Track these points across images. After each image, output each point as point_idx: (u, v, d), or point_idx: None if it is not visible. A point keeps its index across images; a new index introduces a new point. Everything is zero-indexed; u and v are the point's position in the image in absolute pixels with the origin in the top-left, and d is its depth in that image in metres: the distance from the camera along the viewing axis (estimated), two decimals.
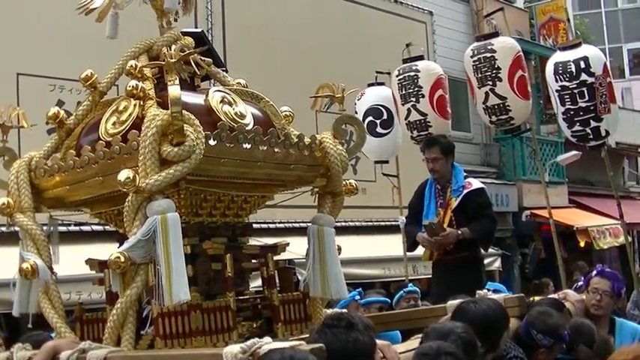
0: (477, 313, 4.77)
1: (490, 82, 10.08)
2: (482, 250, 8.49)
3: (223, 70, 5.53)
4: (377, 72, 12.70)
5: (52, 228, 5.29)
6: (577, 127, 9.91)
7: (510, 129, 11.05)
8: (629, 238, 20.01)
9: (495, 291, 8.05)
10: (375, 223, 15.84)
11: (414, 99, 10.91)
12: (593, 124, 9.82)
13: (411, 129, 10.94)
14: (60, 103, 11.83)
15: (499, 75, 10.06)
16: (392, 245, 12.81)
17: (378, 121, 11.48)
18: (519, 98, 10.04)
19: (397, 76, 11.21)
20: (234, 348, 3.58)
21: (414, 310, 6.21)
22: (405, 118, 11.02)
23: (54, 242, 5.19)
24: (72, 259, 5.48)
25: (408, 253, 10.72)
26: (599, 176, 20.96)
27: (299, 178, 5.22)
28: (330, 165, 5.14)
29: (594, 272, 6.56)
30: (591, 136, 9.92)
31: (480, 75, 10.27)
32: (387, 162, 12.05)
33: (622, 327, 6.29)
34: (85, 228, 10.90)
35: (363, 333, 3.72)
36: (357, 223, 14.92)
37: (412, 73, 11.05)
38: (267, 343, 3.56)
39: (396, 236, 11.99)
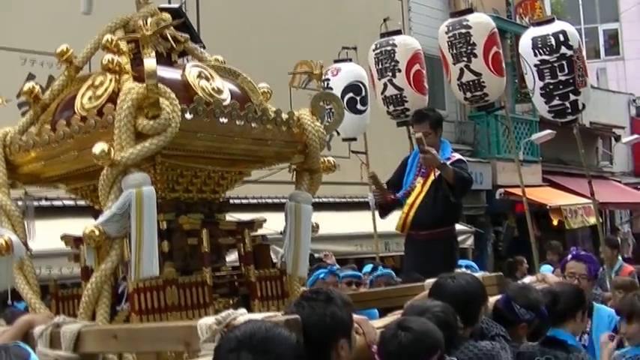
0: (455, 288, 4.77)
1: (465, 59, 10.07)
2: (455, 228, 8.46)
3: (200, 47, 5.49)
4: (343, 47, 12.65)
5: (27, 204, 5.25)
6: (556, 102, 9.87)
7: (484, 106, 11.02)
8: (600, 219, 20.23)
9: (467, 268, 8.12)
10: (349, 200, 15.87)
11: (390, 74, 10.89)
12: (572, 97, 9.80)
13: (387, 104, 10.94)
14: (31, 77, 11.76)
15: (474, 51, 10.05)
16: (365, 222, 12.83)
17: (357, 98, 11.43)
18: (494, 75, 10.05)
19: (374, 50, 11.19)
20: (209, 319, 3.54)
21: (392, 288, 6.20)
22: (382, 93, 11.01)
23: (29, 218, 5.15)
24: (44, 234, 5.44)
25: (378, 230, 10.69)
26: (573, 155, 21.00)
27: (276, 154, 5.20)
28: (308, 142, 5.12)
29: (569, 256, 6.56)
30: (569, 110, 9.91)
31: (454, 51, 10.25)
32: (354, 139, 12.02)
33: (599, 311, 6.31)
34: (56, 203, 10.83)
35: (341, 308, 3.70)
36: (331, 200, 14.94)
37: (389, 48, 11.02)
38: (241, 315, 3.54)
39: (367, 213, 12.01)
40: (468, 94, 10.31)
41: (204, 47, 5.50)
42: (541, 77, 9.91)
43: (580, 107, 9.95)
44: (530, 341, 5.41)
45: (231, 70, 5.32)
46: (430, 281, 5.27)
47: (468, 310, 4.69)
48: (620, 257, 12.22)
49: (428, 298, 4.73)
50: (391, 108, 10.92)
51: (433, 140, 8.21)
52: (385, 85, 10.96)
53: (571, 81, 9.72)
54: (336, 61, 11.91)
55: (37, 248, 5.19)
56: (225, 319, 3.50)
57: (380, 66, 11.06)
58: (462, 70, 10.19)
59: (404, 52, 10.98)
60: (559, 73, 9.77)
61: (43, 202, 10.10)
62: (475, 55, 10.03)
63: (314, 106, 5.21)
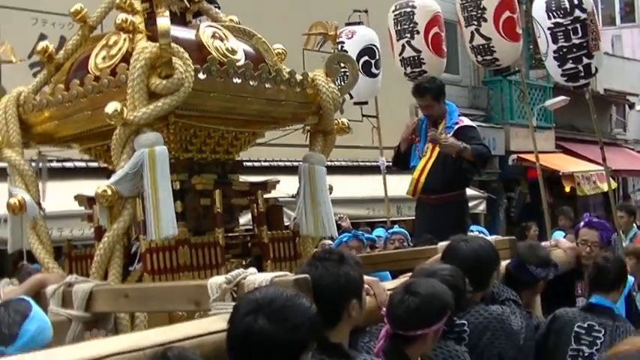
0: (468, 251, 4.75)
1: (475, 22, 10.09)
2: (466, 192, 8.42)
3: (215, 7, 5.46)
4: (354, 10, 12.61)
5: (40, 164, 5.25)
6: (569, 65, 9.86)
7: (499, 69, 11.01)
8: (614, 184, 20.17)
9: (479, 233, 8.12)
10: (360, 164, 15.84)
11: (408, 35, 10.87)
12: (585, 60, 9.79)
13: (405, 65, 10.92)
14: (42, 37, 11.70)
15: (484, 15, 10.05)
16: (376, 186, 12.82)
17: (372, 61, 11.40)
18: (505, 40, 10.02)
19: (393, 11, 11.17)
20: (219, 279, 3.57)
21: (404, 250, 6.19)
22: (399, 54, 10.99)
23: (42, 178, 5.16)
24: (55, 196, 5.46)
25: (389, 194, 10.67)
26: (586, 122, 20.90)
27: (290, 115, 5.19)
28: (322, 103, 5.10)
29: (582, 223, 6.51)
30: (582, 74, 9.89)
31: (466, 14, 10.27)
32: (366, 103, 12.00)
33: None
34: (68, 164, 10.82)
35: (354, 268, 3.69)
36: (343, 163, 14.91)
37: (408, 9, 10.99)
38: (251, 274, 3.55)
39: (380, 177, 12.00)
40: (479, 58, 10.36)
41: (218, 7, 5.48)
42: (554, 40, 9.89)
43: (593, 71, 9.94)
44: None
45: (246, 30, 5.30)
46: (443, 244, 5.26)
47: (479, 273, 4.68)
48: (634, 224, 12.13)
49: (440, 261, 4.72)
50: (408, 70, 10.90)
51: (438, 110, 8.16)
52: (403, 47, 10.94)
53: (584, 44, 9.70)
54: (347, 24, 11.85)
55: (49, 209, 5.20)
56: (235, 278, 3.51)
57: (399, 27, 11.03)
58: (472, 33, 10.22)
59: (423, 14, 10.94)
60: (573, 36, 9.75)
61: (55, 164, 10.11)
62: (485, 20, 10.03)
63: (328, 67, 5.19)
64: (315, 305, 3.13)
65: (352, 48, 11.28)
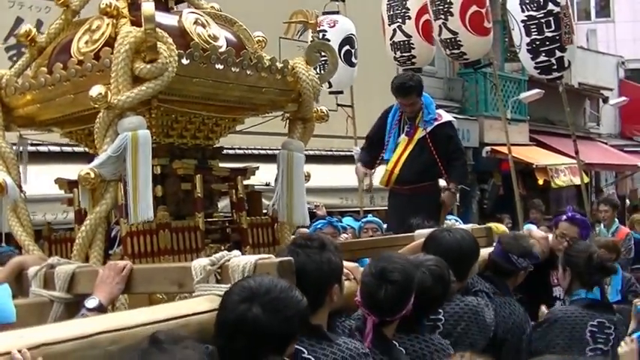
0: (451, 242, 4.84)
1: (442, 16, 10.21)
2: (439, 182, 8.48)
3: None
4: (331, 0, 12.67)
5: (21, 147, 5.28)
6: (542, 58, 10.04)
7: (469, 63, 11.11)
8: (586, 178, 20.32)
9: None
10: (335, 153, 15.87)
11: (400, 20, 10.98)
12: (558, 54, 9.97)
13: (395, 49, 11.03)
14: (19, 21, 11.69)
15: (451, 10, 10.17)
16: (350, 175, 12.82)
17: (353, 51, 11.47)
18: (472, 34, 10.12)
19: None
20: (203, 261, 3.62)
21: (381, 238, 6.26)
22: (390, 39, 11.09)
23: (23, 161, 5.18)
24: (35, 179, 5.48)
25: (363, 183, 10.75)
26: (561, 116, 21.00)
27: (270, 102, 5.24)
28: (302, 90, 5.16)
29: (564, 217, 6.56)
30: (555, 67, 10.05)
31: (434, 8, 10.39)
32: (341, 92, 12.06)
33: None
34: (42, 149, 10.78)
35: (335, 254, 3.77)
36: (317, 152, 14.93)
37: None
38: (235, 256, 3.60)
39: (353, 166, 12.03)
40: (447, 51, 10.45)
41: None
42: (528, 33, 10.07)
43: (566, 64, 10.10)
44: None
45: (227, 17, 5.34)
46: (420, 231, 5.35)
47: (461, 264, 4.77)
48: (616, 219, 12.20)
49: (421, 252, 4.76)
50: (398, 54, 11.03)
51: (418, 105, 8.23)
52: (394, 31, 11.06)
53: (557, 37, 9.87)
54: (324, 13, 11.89)
55: (32, 193, 5.23)
56: (219, 260, 3.56)
57: (391, 12, 11.19)
58: (440, 27, 10.31)
59: (415, 1, 11.06)
60: (545, 30, 9.92)
61: (33, 148, 10.08)
62: (452, 14, 10.16)
63: (309, 55, 5.24)
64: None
65: (335, 37, 11.33)
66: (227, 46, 4.93)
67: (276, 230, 5.33)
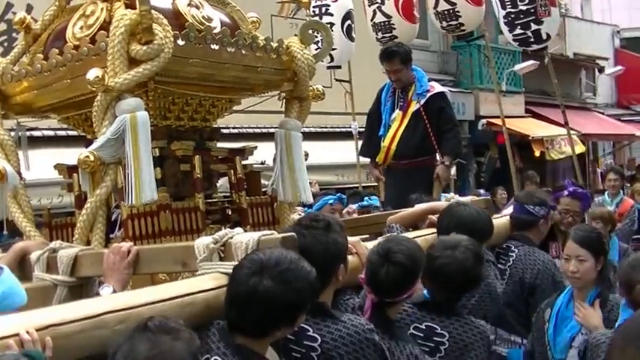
0: (466, 215, 4.92)
1: None
2: (436, 157, 8.48)
3: None
4: None
5: (19, 134, 5.30)
6: (518, 31, 10.18)
7: (463, 35, 11.16)
8: (582, 148, 20.33)
9: None
10: (330, 130, 15.88)
11: (379, 0, 10.93)
12: (533, 27, 10.07)
13: (376, 30, 11.03)
14: (9, 6, 11.69)
15: None
16: (346, 152, 12.86)
17: (353, 26, 11.47)
18: (469, 4, 10.16)
19: None
20: (206, 239, 3.65)
21: (383, 213, 6.28)
22: (371, 20, 11.07)
23: (22, 148, 5.20)
24: (34, 164, 5.51)
25: (361, 159, 10.77)
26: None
27: (266, 81, 5.26)
28: (298, 69, 5.19)
29: (565, 192, 6.60)
30: (532, 40, 10.13)
31: None
32: (339, 67, 12.06)
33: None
34: (47, 132, 10.80)
35: (340, 234, 3.81)
36: (313, 129, 14.94)
37: None
38: (238, 234, 3.63)
39: (350, 142, 12.04)
40: (444, 24, 10.49)
41: None
42: (503, 6, 10.17)
43: (544, 37, 10.17)
44: None
45: None
46: (420, 206, 5.41)
47: (478, 235, 4.73)
48: (621, 190, 12.16)
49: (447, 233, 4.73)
50: (380, 35, 11.01)
51: (406, 75, 8.24)
52: (374, 12, 11.05)
53: (532, 10, 9.95)
54: None
55: (29, 178, 5.25)
56: (222, 238, 3.59)
57: None
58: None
59: None
60: (519, 3, 10.02)
61: (28, 133, 10.07)
62: None
63: (303, 34, 5.26)
64: None
65: (337, 11, 11.35)
66: (221, 27, 4.94)
67: (275, 209, 5.37)
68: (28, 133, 5.52)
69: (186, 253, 3.72)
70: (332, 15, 11.10)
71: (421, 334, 4.18)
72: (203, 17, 4.92)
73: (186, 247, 3.81)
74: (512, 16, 10.09)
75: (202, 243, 3.62)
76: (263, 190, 5.55)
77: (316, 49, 5.58)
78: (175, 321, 2.79)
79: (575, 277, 4.88)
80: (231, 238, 3.60)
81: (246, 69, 4.97)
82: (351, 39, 11.41)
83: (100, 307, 3.00)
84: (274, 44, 5.10)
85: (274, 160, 5.28)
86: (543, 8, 10.03)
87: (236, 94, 5.38)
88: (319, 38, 5.67)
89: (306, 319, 3.43)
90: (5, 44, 10.79)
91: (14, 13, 11.36)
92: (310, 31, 5.34)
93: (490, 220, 5.15)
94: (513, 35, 10.32)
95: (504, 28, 10.47)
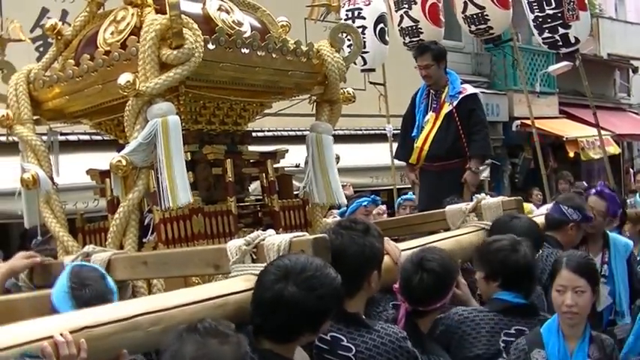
0: (518, 229, 4.89)
1: None
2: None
3: None
4: None
5: (52, 139, 5.34)
6: (546, 34, 10.15)
7: (491, 38, 11.13)
8: (616, 150, 20.18)
9: None
10: (365, 132, 15.86)
11: (406, 5, 10.94)
12: (561, 30, 10.02)
13: (404, 35, 11.01)
14: (44, 11, 11.76)
15: None
16: (380, 154, 12.83)
17: (386, 29, 11.49)
18: (497, 7, 10.14)
19: None
20: (238, 241, 3.65)
21: (414, 215, 6.29)
22: (398, 25, 11.07)
23: (54, 153, 5.24)
24: (68, 168, 5.54)
25: (396, 162, 10.76)
26: (591, 87, 20.95)
27: (297, 85, 5.28)
28: (328, 73, 5.20)
29: (593, 190, 6.57)
30: (560, 43, 10.10)
31: None
32: (373, 70, 12.07)
33: (615, 241, 6.33)
34: (83, 137, 10.87)
35: (378, 239, 3.82)
36: (347, 132, 14.93)
37: None
38: (270, 236, 3.64)
39: (384, 145, 12.03)
40: (473, 27, 10.48)
41: None
42: (531, 10, 10.13)
43: (572, 40, 10.14)
44: None
45: (250, 3, 5.40)
46: (451, 207, 5.40)
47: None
48: None
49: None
50: (407, 39, 10.97)
51: (437, 73, 8.23)
52: (402, 17, 11.01)
53: (559, 15, 9.91)
54: None
55: (62, 182, 5.29)
56: (254, 240, 3.60)
57: None
58: (465, 3, 10.32)
59: None
60: (546, 7, 10.00)
61: (62, 137, 10.13)
62: None
63: (333, 37, 5.27)
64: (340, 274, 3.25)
65: (370, 14, 11.35)
66: (251, 31, 4.96)
67: (307, 212, 5.38)
68: (64, 138, 5.56)
69: (218, 256, 3.73)
70: (364, 18, 11.10)
71: (512, 339, 4.21)
72: (233, 22, 4.95)
73: (218, 249, 3.82)
74: (540, 19, 10.08)
75: (234, 245, 3.62)
76: (295, 192, 5.57)
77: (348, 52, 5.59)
78: (227, 325, 2.81)
79: (572, 311, 4.20)
80: (263, 240, 3.60)
81: (276, 72, 4.99)
82: (385, 42, 11.41)
83: (133, 309, 3.02)
84: (304, 48, 5.11)
85: (306, 162, 5.29)
86: (571, 12, 9.99)
87: (267, 97, 5.39)
88: (349, 42, 5.67)
89: (339, 328, 3.47)
90: (41, 49, 10.86)
91: (49, 19, 11.58)
92: (340, 34, 5.34)
93: (541, 232, 5.29)
94: (542, 38, 10.30)
95: (534, 31, 10.46)
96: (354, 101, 5.48)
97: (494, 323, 4.25)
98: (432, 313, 4.05)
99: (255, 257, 3.60)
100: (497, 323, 4.25)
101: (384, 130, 12.11)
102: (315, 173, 5.24)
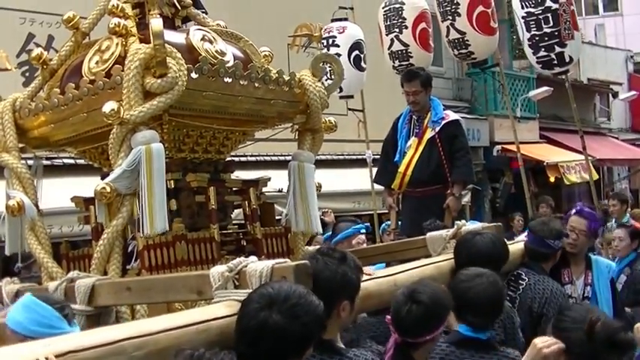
0: (481, 246, 4.99)
1: (450, 17, 10.42)
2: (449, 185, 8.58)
3: (202, 12, 5.61)
4: (340, 7, 12.81)
5: (37, 164, 5.39)
6: (542, 53, 10.28)
7: (476, 63, 11.28)
8: (595, 175, 20.29)
9: None
10: (346, 157, 15.94)
11: (397, 30, 11.14)
12: (557, 49, 10.19)
13: (393, 59, 11.18)
14: (30, 37, 11.81)
15: (458, 10, 10.37)
16: (361, 179, 12.91)
17: (362, 56, 11.61)
18: (479, 33, 10.28)
19: (383, 7, 11.47)
20: (221, 267, 3.69)
21: (395, 242, 6.32)
22: (388, 48, 11.23)
23: (38, 178, 5.29)
24: (54, 192, 5.61)
25: (376, 187, 10.83)
26: (570, 112, 20.85)
27: (279, 114, 5.34)
28: (310, 102, 5.27)
29: (573, 211, 6.64)
30: (555, 62, 10.27)
31: (442, 9, 10.60)
32: (352, 97, 12.18)
33: (597, 263, 6.38)
34: (67, 161, 10.86)
35: (352, 270, 3.83)
36: (328, 157, 15.00)
37: (397, 6, 11.32)
38: (252, 262, 3.68)
39: (365, 170, 12.11)
40: (455, 52, 10.63)
41: (206, 13, 5.64)
42: (528, 29, 10.32)
43: (567, 59, 10.32)
44: None
45: (233, 33, 5.48)
46: (432, 234, 5.47)
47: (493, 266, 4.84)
48: (627, 213, 12.28)
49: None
50: (397, 63, 11.15)
51: (423, 99, 8.32)
52: (392, 41, 11.20)
53: (556, 33, 10.11)
54: (333, 20, 12.05)
55: (48, 206, 5.35)
56: (236, 267, 3.65)
57: (388, 22, 11.34)
58: (448, 27, 10.52)
59: (411, 11, 11.24)
60: (544, 26, 10.21)
61: (48, 162, 10.15)
62: (459, 14, 10.35)
63: (314, 67, 5.35)
64: None
65: (344, 42, 11.53)
66: (234, 61, 5.03)
67: (289, 240, 5.43)
68: (49, 162, 5.60)
69: (201, 282, 3.77)
70: (338, 46, 11.33)
71: None
72: (216, 51, 5.02)
73: (201, 275, 3.85)
74: (537, 38, 10.23)
75: (217, 271, 3.67)
76: (278, 217, 5.63)
77: (326, 80, 5.67)
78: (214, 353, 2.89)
79: None
80: (246, 266, 3.64)
81: (259, 101, 5.06)
82: (360, 69, 11.55)
83: (118, 334, 3.05)
84: (286, 77, 5.18)
85: (287, 190, 5.34)
86: (567, 31, 10.17)
87: (249, 126, 5.46)
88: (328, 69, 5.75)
89: (313, 355, 3.48)
90: (27, 74, 10.90)
91: (36, 44, 11.66)
92: (322, 64, 5.42)
93: (506, 248, 5.22)
94: (537, 57, 10.43)
95: (528, 51, 10.58)
96: (335, 130, 5.56)
97: (444, 354, 4.29)
98: (426, 345, 4.04)
99: (237, 283, 3.64)
100: (448, 355, 4.29)
101: (364, 155, 12.20)
102: (296, 201, 5.29)
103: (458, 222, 5.68)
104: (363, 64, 11.65)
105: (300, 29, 5.56)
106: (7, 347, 2.86)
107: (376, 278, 4.52)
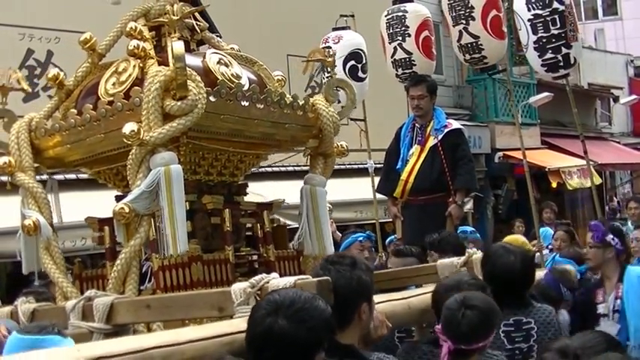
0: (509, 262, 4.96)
1: (463, 21, 10.36)
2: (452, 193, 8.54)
3: (217, 36, 5.68)
4: (341, 15, 12.83)
5: (52, 182, 5.45)
6: (549, 55, 10.29)
7: (485, 68, 11.28)
8: (598, 180, 20.34)
9: (472, 232, 8.37)
10: (348, 166, 15.99)
11: (400, 38, 11.12)
12: (564, 50, 10.22)
13: (396, 67, 11.18)
14: (30, 52, 11.85)
15: (472, 14, 10.32)
16: (363, 188, 12.93)
17: (359, 65, 11.62)
18: (492, 37, 10.29)
19: (386, 16, 11.45)
20: (243, 284, 3.74)
21: (404, 268, 6.29)
22: (391, 56, 11.24)
23: (53, 199, 5.32)
24: (70, 207, 5.64)
25: (378, 196, 10.89)
26: (571, 117, 20.84)
27: (292, 138, 5.41)
28: (323, 126, 5.35)
29: (590, 241, 6.65)
30: (562, 64, 10.29)
31: (454, 14, 10.55)
32: (354, 107, 12.19)
33: (628, 273, 6.07)
34: (82, 176, 10.85)
35: (365, 272, 3.88)
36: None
37: (400, 14, 11.27)
38: (274, 278, 3.74)
39: (367, 179, 12.14)
40: (467, 56, 10.63)
41: (220, 37, 5.69)
42: (534, 31, 10.35)
43: (572, 61, 10.36)
44: None
45: (248, 57, 5.55)
46: (443, 261, 5.49)
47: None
48: None
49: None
50: (400, 71, 11.15)
51: (427, 105, 8.44)
52: (395, 49, 11.18)
53: (563, 35, 10.18)
54: (334, 29, 12.08)
55: (64, 220, 5.40)
56: (258, 283, 3.71)
57: (391, 30, 11.30)
58: (460, 32, 10.49)
59: (414, 18, 11.21)
60: (552, 27, 10.21)
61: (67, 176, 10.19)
62: (473, 18, 10.30)
63: (327, 92, 5.44)
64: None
65: (339, 52, 11.48)
66: (249, 84, 5.09)
67: (301, 262, 5.47)
68: (62, 177, 5.62)
69: (222, 298, 3.81)
70: (333, 55, 11.25)
71: None
72: (232, 75, 5.08)
73: (222, 292, 3.90)
74: (544, 40, 10.24)
75: (239, 288, 3.72)
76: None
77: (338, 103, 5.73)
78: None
79: None
80: (268, 282, 3.70)
81: (274, 125, 5.12)
82: (358, 79, 11.51)
83: (146, 343, 3.13)
84: (301, 101, 5.25)
85: (299, 214, 5.39)
86: (572, 33, 10.22)
87: (263, 149, 5.54)
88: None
89: None
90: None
91: (35, 60, 11.74)
92: (335, 89, 5.51)
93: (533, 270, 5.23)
94: (543, 60, 10.42)
95: (533, 54, 10.55)
96: (347, 155, 5.68)
97: (422, 353, 4.36)
98: (474, 354, 4.09)
99: (259, 299, 3.65)
100: (426, 354, 4.36)
101: (366, 164, 12.24)
102: (309, 225, 5.34)
103: (469, 250, 5.64)
104: (360, 73, 11.61)
105: (313, 54, 5.62)
106: (41, 351, 2.93)
107: (391, 301, 4.58)
